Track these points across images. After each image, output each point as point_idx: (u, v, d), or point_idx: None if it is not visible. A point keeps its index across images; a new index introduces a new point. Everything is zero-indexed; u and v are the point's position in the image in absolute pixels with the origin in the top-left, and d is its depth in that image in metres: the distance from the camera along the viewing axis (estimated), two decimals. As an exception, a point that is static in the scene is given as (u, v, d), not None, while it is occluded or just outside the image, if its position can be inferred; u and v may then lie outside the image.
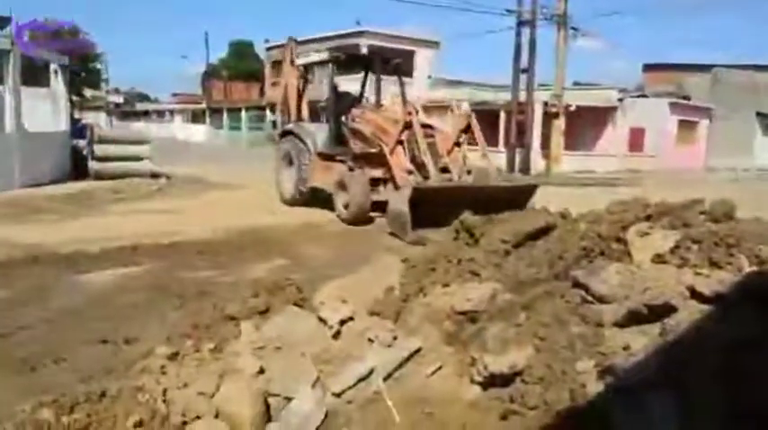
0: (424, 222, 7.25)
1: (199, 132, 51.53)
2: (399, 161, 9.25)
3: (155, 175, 15.61)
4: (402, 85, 12.03)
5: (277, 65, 44.05)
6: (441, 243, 4.25)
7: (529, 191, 8.81)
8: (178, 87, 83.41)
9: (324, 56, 11.81)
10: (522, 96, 23.06)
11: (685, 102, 33.05)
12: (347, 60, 12.38)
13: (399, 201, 8.08)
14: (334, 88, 11.38)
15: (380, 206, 9.55)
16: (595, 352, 2.88)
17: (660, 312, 2.93)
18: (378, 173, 9.96)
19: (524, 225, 3.82)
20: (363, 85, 12.76)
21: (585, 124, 28.08)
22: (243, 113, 47.37)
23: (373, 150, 9.92)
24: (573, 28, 24.09)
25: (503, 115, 25.27)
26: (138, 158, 15.68)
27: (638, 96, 32.37)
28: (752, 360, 2.45)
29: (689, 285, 2.99)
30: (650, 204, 3.76)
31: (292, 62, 12.56)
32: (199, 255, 7.19)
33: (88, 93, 46.38)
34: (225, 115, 49.56)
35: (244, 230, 8.59)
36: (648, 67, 42.52)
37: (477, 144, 9.80)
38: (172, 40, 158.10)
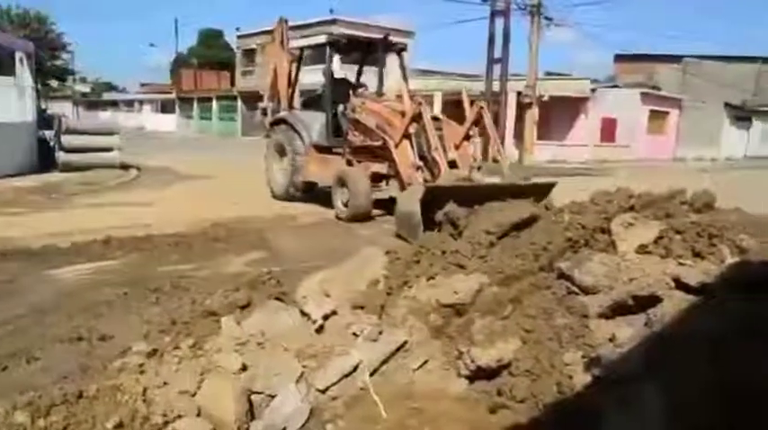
0: (434, 224, 6.34)
1: (168, 122, 50.87)
2: (406, 156, 8.44)
3: (124, 167, 15.36)
4: (405, 71, 11.19)
5: (249, 53, 43.74)
6: (424, 235, 4.20)
7: (546, 188, 7.88)
8: (146, 77, 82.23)
9: (320, 39, 10.92)
10: (496, 86, 23.12)
11: (656, 92, 33.52)
12: (347, 44, 11.28)
13: (409, 202, 7.19)
14: (330, 74, 10.58)
15: (381, 204, 9.22)
16: (582, 343, 2.88)
17: (645, 303, 2.94)
18: (379, 168, 9.30)
19: (508, 216, 3.79)
20: (360, 72, 11.96)
21: (558, 114, 28.34)
22: (214, 103, 46.82)
23: (376, 144, 9.13)
24: (546, 18, 24.21)
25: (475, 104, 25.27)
26: (106, 149, 15.38)
27: (610, 87, 32.73)
28: (737, 349, 2.46)
29: (673, 275, 3.00)
30: (633, 195, 3.77)
31: (282, 44, 11.67)
32: (172, 248, 7.03)
33: (54, 82, 45.51)
34: (195, 105, 48.97)
35: (217, 222, 8.41)
36: (620, 58, 43.09)
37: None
38: (139, 28, 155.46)
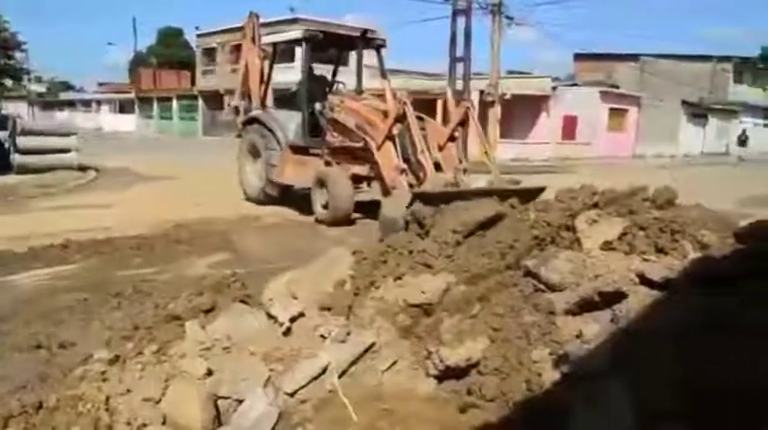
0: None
1: (127, 122, 50.04)
2: (389, 159, 7.95)
3: (82, 168, 15.02)
4: (384, 68, 10.78)
5: (209, 52, 43.21)
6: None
7: (536, 193, 7.12)
8: (104, 76, 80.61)
9: (296, 34, 10.40)
10: (459, 85, 23.25)
11: (615, 90, 34.11)
12: (324, 40, 10.41)
13: (395, 208, 6.64)
14: (309, 71, 10.12)
15: (362, 207, 8.98)
16: (549, 340, 2.90)
17: (611, 299, 2.97)
18: (360, 169, 8.89)
19: (474, 215, 3.79)
20: (336, 70, 11.45)
21: (520, 112, 28.61)
22: (174, 102, 46.15)
23: (357, 145, 8.63)
24: (508, 17, 24.42)
25: (440, 104, 25.43)
26: (64, 151, 15.00)
27: (571, 85, 33.20)
28: (700, 344, 2.49)
29: (638, 271, 3.04)
30: (597, 192, 3.81)
31: (253, 40, 11.15)
32: (134, 250, 6.89)
33: (8, 82, 44.31)
34: (155, 104, 48.20)
35: (179, 224, 8.27)
36: (579, 57, 43.77)
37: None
38: (97, 26, 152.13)
